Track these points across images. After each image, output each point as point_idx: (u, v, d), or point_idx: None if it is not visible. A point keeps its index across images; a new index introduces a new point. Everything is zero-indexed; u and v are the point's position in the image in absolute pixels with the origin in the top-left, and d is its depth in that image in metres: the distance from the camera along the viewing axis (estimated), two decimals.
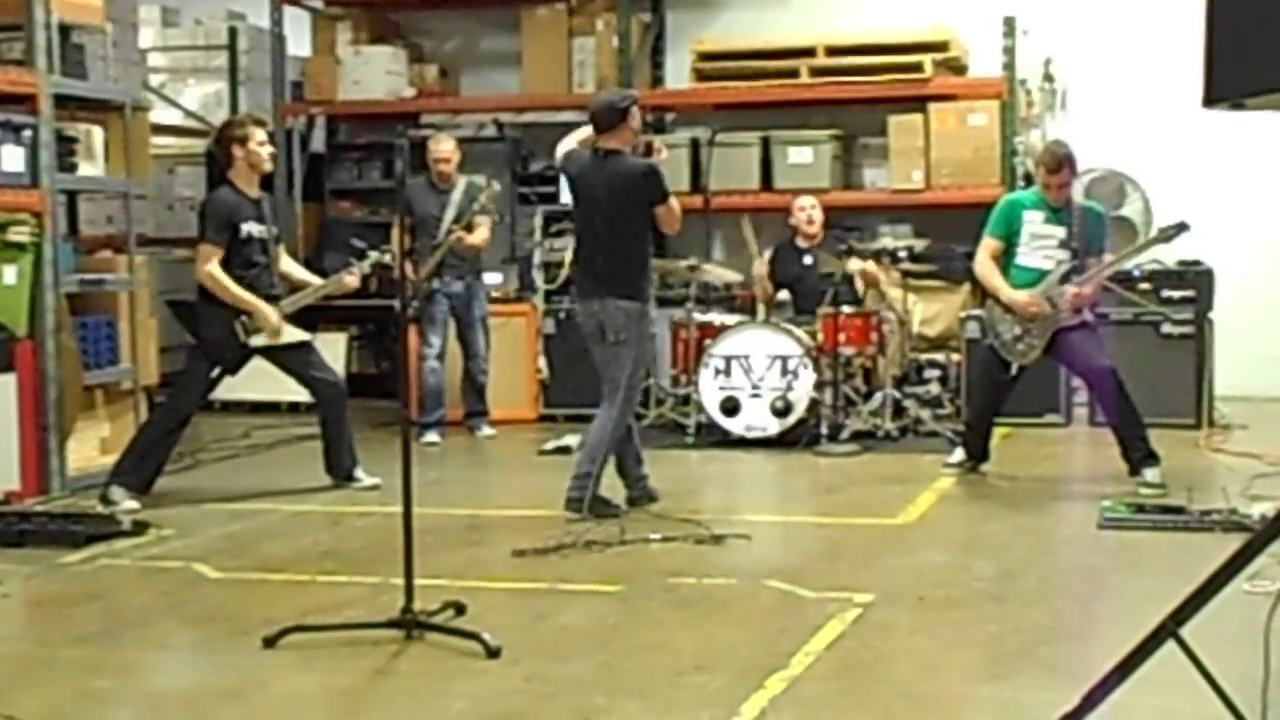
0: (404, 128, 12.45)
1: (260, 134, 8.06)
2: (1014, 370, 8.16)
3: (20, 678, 4.93)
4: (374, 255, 8.51)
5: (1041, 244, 8.06)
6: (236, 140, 7.98)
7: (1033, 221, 8.09)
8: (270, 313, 7.89)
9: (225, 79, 12.94)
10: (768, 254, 10.54)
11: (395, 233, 9.97)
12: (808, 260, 10.23)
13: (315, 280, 8.38)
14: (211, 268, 7.79)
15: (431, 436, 9.94)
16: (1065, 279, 7.96)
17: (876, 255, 10.04)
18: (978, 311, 10.02)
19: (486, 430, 10.35)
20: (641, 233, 7.48)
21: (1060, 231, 8.05)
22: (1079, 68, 11.41)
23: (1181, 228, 7.95)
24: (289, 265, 8.43)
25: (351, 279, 8.30)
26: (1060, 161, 8.05)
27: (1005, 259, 8.16)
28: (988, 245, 8.22)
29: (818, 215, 10.37)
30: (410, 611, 5.12)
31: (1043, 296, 7.95)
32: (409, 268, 9.99)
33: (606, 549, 6.61)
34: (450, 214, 10.06)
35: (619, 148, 7.45)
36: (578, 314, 7.65)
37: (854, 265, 9.99)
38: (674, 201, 7.51)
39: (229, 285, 7.79)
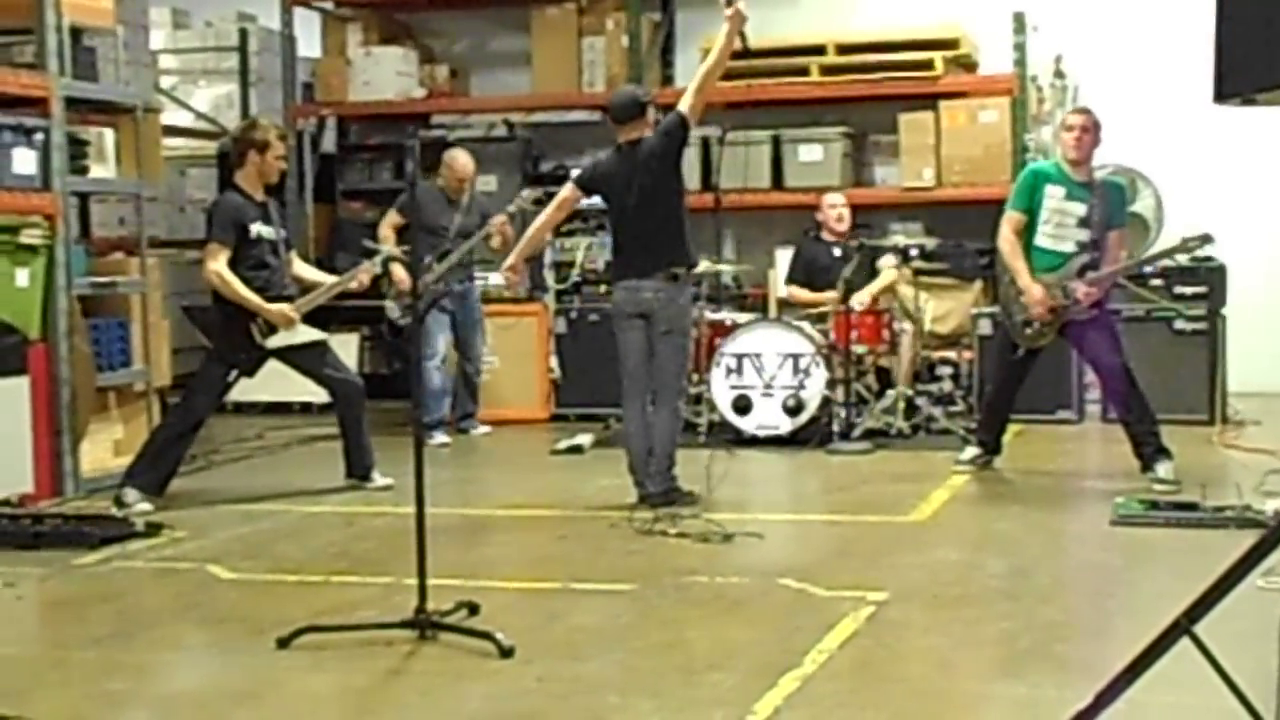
0: (415, 128, 12.48)
1: (280, 147, 8.09)
2: (1021, 351, 8.15)
3: (35, 679, 4.93)
4: (386, 250, 8.53)
5: (1061, 220, 8.03)
6: (256, 145, 7.98)
7: (1054, 196, 8.04)
8: (276, 310, 7.89)
9: (236, 81, 12.98)
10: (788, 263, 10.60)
11: (385, 230, 9.95)
12: (836, 252, 10.17)
13: (328, 279, 8.38)
14: (218, 266, 7.80)
15: (440, 438, 9.93)
16: (1082, 272, 7.94)
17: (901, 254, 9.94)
18: (989, 309, 10.02)
19: (480, 429, 10.37)
20: (678, 198, 7.63)
21: (1080, 209, 8.01)
22: (1090, 64, 11.38)
23: (1205, 239, 7.91)
24: (301, 268, 8.43)
25: (364, 275, 8.32)
26: (1087, 109, 8.18)
27: (1026, 236, 8.12)
28: (1011, 219, 8.13)
29: (847, 214, 10.36)
30: (424, 611, 5.12)
31: (1057, 285, 7.93)
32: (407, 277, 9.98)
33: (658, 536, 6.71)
34: (456, 222, 10.06)
35: (638, 138, 7.61)
36: (617, 295, 7.69)
37: (862, 298, 9.87)
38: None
39: (235, 284, 7.80)
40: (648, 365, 7.63)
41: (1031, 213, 8.08)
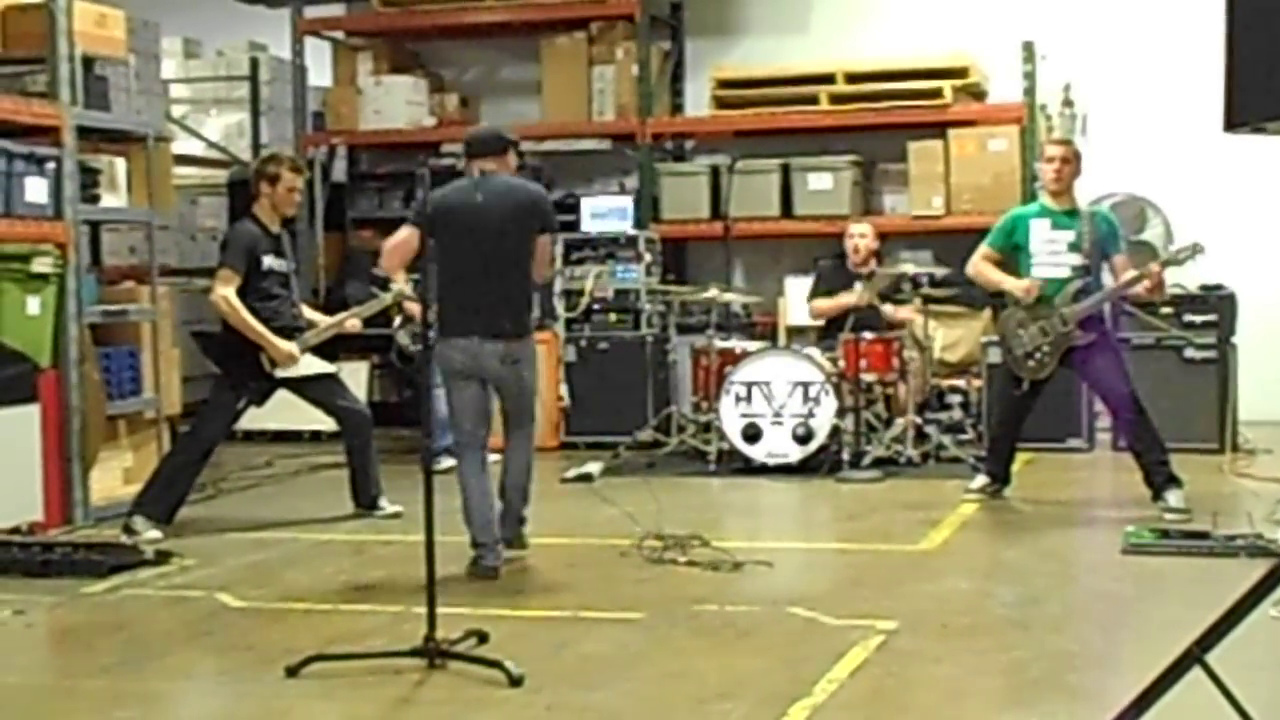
0: (425, 157, 12.51)
1: (294, 180, 8.12)
2: (1026, 385, 8.15)
3: (43, 708, 4.93)
4: (396, 289, 8.56)
5: (1054, 249, 8.09)
6: (267, 178, 8.05)
7: (1040, 229, 8.13)
8: (281, 345, 7.91)
9: (247, 110, 13.03)
10: (809, 288, 10.59)
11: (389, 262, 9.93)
12: (857, 287, 10.13)
13: (323, 319, 8.41)
14: (227, 292, 7.83)
15: (447, 462, 9.91)
16: (1077, 297, 7.97)
17: (899, 286, 9.95)
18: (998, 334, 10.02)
19: (490, 457, 10.34)
20: (529, 259, 6.79)
21: (1070, 235, 8.08)
22: (1099, 92, 11.40)
23: (1195, 250, 7.96)
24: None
25: (356, 321, 8.38)
26: (1067, 140, 8.32)
27: (1021, 273, 8.16)
28: (983, 251, 8.32)
29: (865, 245, 10.30)
30: (433, 640, 5.12)
31: (1055, 314, 7.95)
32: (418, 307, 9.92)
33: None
34: None
35: (498, 170, 6.86)
36: (448, 353, 6.67)
37: (890, 310, 9.99)
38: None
39: (242, 312, 7.83)
40: (486, 422, 6.89)
41: (1007, 251, 8.21)
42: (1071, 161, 8.15)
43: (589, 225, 11.47)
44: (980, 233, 9.76)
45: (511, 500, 7.10)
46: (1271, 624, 4.81)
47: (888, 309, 10.00)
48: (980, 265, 8.31)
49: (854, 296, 10.03)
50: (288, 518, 8.33)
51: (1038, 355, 8.02)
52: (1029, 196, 10.78)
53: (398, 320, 9.95)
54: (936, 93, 11.26)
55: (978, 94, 11.58)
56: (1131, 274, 8.07)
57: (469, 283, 6.54)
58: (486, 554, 6.72)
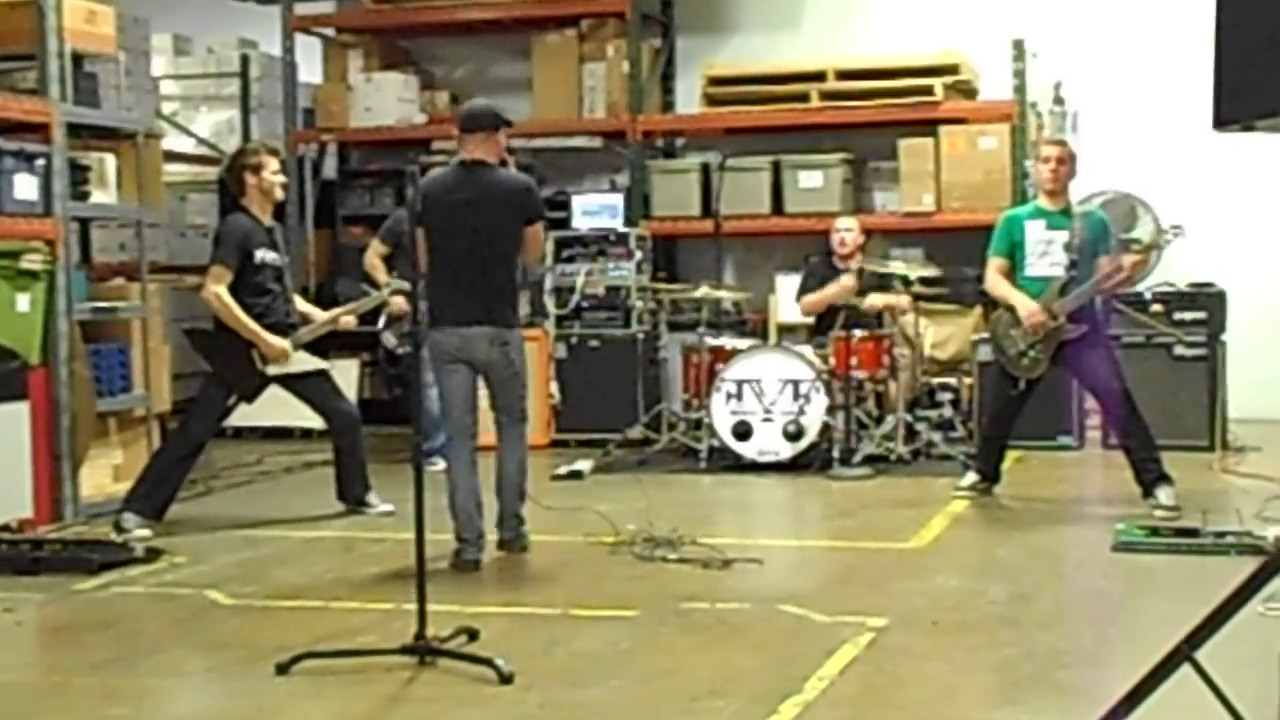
0: (415, 154, 12.50)
1: (273, 163, 8.11)
2: (1022, 385, 8.16)
3: (34, 706, 4.92)
4: (394, 284, 8.54)
5: (1047, 250, 8.10)
6: (249, 169, 8.02)
7: (1035, 230, 8.14)
8: (274, 341, 7.89)
9: (237, 106, 13.00)
10: (798, 285, 10.58)
11: (373, 259, 9.75)
12: (843, 279, 10.13)
13: (318, 314, 8.40)
14: (219, 289, 7.81)
15: (440, 464, 9.89)
16: (1064, 290, 7.98)
17: (887, 282, 9.95)
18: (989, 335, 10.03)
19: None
20: (517, 250, 6.98)
21: (1063, 235, 8.10)
22: (1089, 90, 11.41)
23: (1176, 232, 7.99)
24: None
25: (351, 318, 8.36)
26: (1062, 140, 8.36)
27: (1015, 273, 8.17)
28: (995, 264, 8.26)
29: (851, 239, 10.29)
30: (423, 638, 5.11)
31: (1043, 308, 7.96)
32: (404, 301, 9.74)
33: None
34: None
35: (485, 158, 6.92)
36: (439, 337, 6.84)
37: (872, 301, 9.95)
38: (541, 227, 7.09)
39: (234, 309, 7.81)
40: (474, 411, 7.00)
41: (1015, 253, 8.18)
42: (1067, 161, 8.17)
43: (580, 222, 11.47)
44: (970, 230, 9.80)
45: (506, 499, 7.15)
46: (1261, 621, 4.83)
47: (868, 301, 9.94)
48: (997, 280, 8.23)
49: (838, 286, 9.99)
50: (278, 515, 8.32)
51: (1031, 353, 8.03)
52: (1019, 194, 10.80)
53: (382, 321, 9.91)
54: (927, 90, 11.26)
55: (968, 92, 11.58)
56: (1109, 267, 8.06)
57: (458, 274, 6.73)
58: (468, 548, 6.86)
